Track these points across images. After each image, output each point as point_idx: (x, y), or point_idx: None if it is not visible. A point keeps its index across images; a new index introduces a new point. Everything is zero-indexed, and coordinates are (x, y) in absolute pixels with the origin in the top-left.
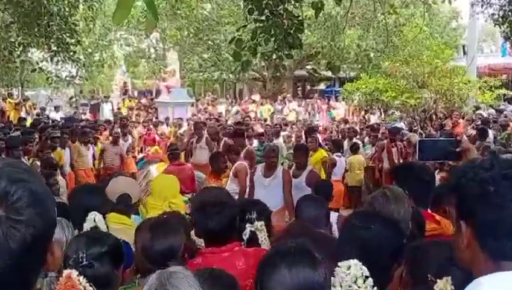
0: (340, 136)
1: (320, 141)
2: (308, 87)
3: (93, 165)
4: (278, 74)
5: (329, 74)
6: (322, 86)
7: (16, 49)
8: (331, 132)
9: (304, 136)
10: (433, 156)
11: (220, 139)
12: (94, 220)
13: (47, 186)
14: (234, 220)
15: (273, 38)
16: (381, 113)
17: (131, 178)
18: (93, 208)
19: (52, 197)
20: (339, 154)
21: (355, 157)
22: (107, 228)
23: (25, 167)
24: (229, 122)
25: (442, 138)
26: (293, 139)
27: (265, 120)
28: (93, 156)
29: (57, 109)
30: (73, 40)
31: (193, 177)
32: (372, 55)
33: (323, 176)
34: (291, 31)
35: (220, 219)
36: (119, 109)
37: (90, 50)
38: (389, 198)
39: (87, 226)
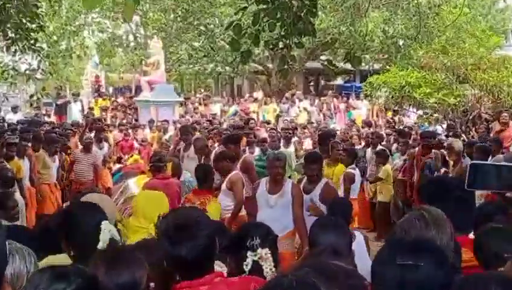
0: (362, 143)
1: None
2: (323, 83)
3: (61, 178)
4: (285, 67)
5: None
6: (339, 81)
7: None
8: (351, 138)
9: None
10: (491, 185)
11: (210, 153)
12: (109, 231)
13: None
14: (212, 244)
15: (279, 23)
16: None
17: (106, 195)
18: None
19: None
20: (353, 166)
21: (383, 168)
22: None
23: None
24: (224, 126)
25: (506, 163)
26: (305, 146)
27: (268, 122)
28: (62, 167)
29: (14, 109)
30: (34, 26)
31: (179, 195)
32: (401, 43)
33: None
34: (302, 14)
35: (193, 244)
36: (91, 109)
37: (55, 37)
38: (429, 222)
39: (104, 238)
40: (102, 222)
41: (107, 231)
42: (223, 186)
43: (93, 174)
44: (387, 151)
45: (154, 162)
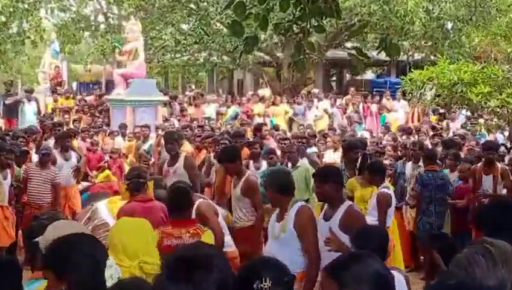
0: (400, 155)
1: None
2: (348, 77)
3: (16, 199)
4: (300, 57)
5: (381, 56)
6: (369, 75)
7: None
8: (383, 148)
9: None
10: None
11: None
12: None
13: None
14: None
15: (293, 1)
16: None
17: (77, 223)
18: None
19: None
20: (387, 184)
21: None
22: None
23: None
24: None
25: None
26: (326, 158)
27: (278, 128)
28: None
29: None
30: None
31: (164, 222)
32: (449, 26)
33: None
34: None
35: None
36: (53, 111)
37: (3, 18)
38: (497, 260)
39: (110, 274)
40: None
41: (112, 266)
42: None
43: (52, 195)
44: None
45: (131, 179)
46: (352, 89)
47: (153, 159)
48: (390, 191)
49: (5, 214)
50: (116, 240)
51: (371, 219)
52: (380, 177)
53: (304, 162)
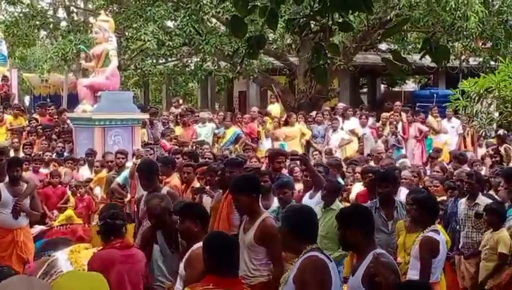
0: (451, 191)
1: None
2: (383, 88)
3: None
4: (320, 63)
5: (426, 61)
6: (411, 86)
7: None
8: (428, 183)
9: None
10: None
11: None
12: None
13: None
14: None
15: None
16: None
17: (39, 279)
18: None
19: None
20: (437, 228)
21: (491, 235)
22: None
23: None
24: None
25: None
26: (353, 195)
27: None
28: None
29: None
30: None
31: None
32: None
33: None
34: None
35: None
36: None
37: None
38: None
39: None
40: None
41: None
42: (180, 266)
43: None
44: (501, 205)
45: (106, 220)
46: (397, 103)
47: (129, 196)
48: (440, 236)
49: None
50: None
51: (412, 273)
52: (431, 217)
53: (339, 204)
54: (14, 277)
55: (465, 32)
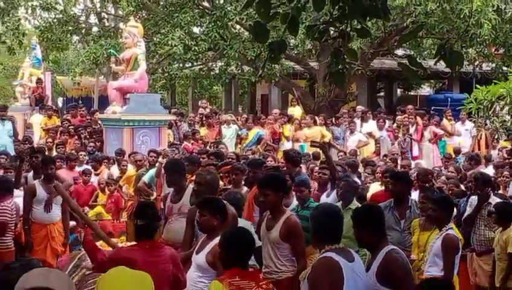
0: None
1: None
2: (399, 92)
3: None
4: (338, 67)
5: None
6: (426, 90)
7: None
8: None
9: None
10: None
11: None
12: None
13: None
14: None
15: None
16: None
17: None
18: None
19: None
20: (452, 226)
21: (505, 236)
22: None
23: None
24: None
25: None
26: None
27: (317, 157)
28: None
29: None
30: None
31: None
32: None
33: None
34: None
35: None
36: (50, 132)
37: None
38: None
39: None
40: None
41: None
42: (201, 258)
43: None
44: (510, 205)
45: (143, 220)
46: (410, 107)
47: (155, 194)
48: (457, 233)
49: None
50: None
51: (432, 269)
52: (447, 216)
53: (358, 204)
54: (36, 269)
55: (478, 39)
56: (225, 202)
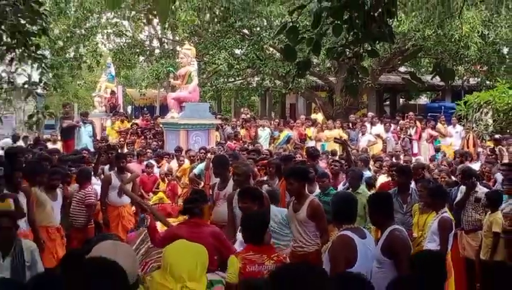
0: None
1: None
2: (401, 102)
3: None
4: (354, 81)
5: (436, 81)
6: (423, 100)
7: None
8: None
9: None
10: None
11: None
12: None
13: None
14: None
15: (347, 26)
16: None
17: (124, 244)
18: None
19: None
20: (446, 210)
21: (491, 218)
22: None
23: None
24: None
25: None
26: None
27: (334, 153)
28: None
29: (14, 137)
30: (35, 28)
31: (215, 248)
32: (505, 50)
33: None
34: (377, 14)
35: None
36: (123, 133)
37: (60, 43)
38: None
39: None
40: None
41: None
42: (238, 235)
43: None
44: (498, 194)
45: (187, 204)
46: (411, 113)
47: (202, 183)
48: (450, 215)
49: (50, 235)
50: (166, 260)
51: (430, 245)
52: (441, 201)
53: (364, 188)
54: (107, 241)
55: (466, 58)
56: (262, 190)
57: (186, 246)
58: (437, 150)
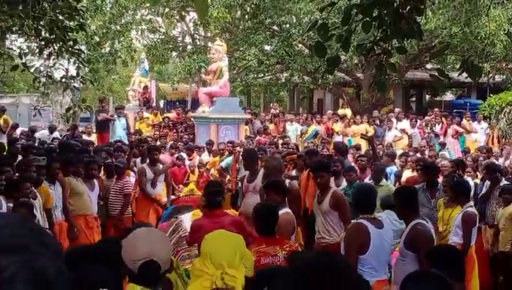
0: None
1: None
2: (427, 98)
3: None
4: (381, 78)
5: (462, 77)
6: (449, 97)
7: None
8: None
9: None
10: None
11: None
12: None
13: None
14: None
15: (376, 23)
16: None
17: (156, 230)
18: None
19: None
20: (471, 204)
21: (508, 210)
22: None
23: (32, 228)
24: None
25: None
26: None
27: (358, 147)
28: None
29: (51, 129)
30: (73, 24)
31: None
32: None
33: None
34: (405, 12)
35: None
36: (154, 127)
37: (97, 38)
38: None
39: None
40: None
41: None
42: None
43: (123, 206)
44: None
45: (208, 196)
46: (436, 109)
47: (228, 176)
48: (474, 210)
49: (88, 223)
50: (206, 247)
51: (455, 239)
52: (465, 196)
53: (386, 182)
54: (143, 227)
55: (492, 56)
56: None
57: (225, 235)
58: (467, 152)
